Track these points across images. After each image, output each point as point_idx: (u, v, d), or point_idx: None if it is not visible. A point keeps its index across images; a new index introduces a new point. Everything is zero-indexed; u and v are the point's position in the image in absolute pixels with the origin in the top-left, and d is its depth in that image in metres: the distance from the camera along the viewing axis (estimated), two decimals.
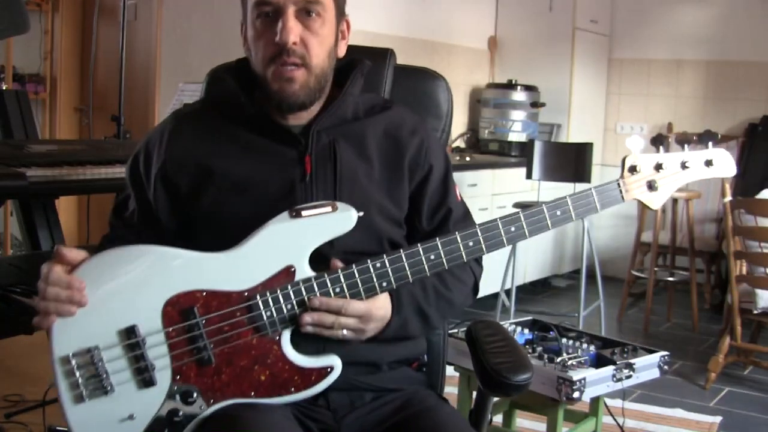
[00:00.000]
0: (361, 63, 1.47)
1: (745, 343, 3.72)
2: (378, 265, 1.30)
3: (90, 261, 1.27)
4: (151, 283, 1.27)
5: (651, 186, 1.41)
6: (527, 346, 2.51)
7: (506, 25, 5.75)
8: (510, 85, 5.43)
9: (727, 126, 5.55)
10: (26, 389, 2.91)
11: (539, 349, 2.48)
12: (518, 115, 5.37)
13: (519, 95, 5.38)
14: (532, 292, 5.34)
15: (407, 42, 4.88)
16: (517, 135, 5.35)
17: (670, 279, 4.84)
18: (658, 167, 1.41)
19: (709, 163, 1.43)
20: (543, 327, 2.67)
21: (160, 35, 4.59)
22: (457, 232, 1.33)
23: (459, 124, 5.56)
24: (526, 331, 2.64)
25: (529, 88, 5.41)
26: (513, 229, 1.34)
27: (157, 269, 1.28)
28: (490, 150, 5.40)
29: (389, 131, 1.46)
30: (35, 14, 4.75)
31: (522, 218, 1.35)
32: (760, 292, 3.54)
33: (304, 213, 1.30)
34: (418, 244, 1.32)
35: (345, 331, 1.31)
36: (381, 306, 1.34)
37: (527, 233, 1.35)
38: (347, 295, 1.29)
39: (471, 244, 1.33)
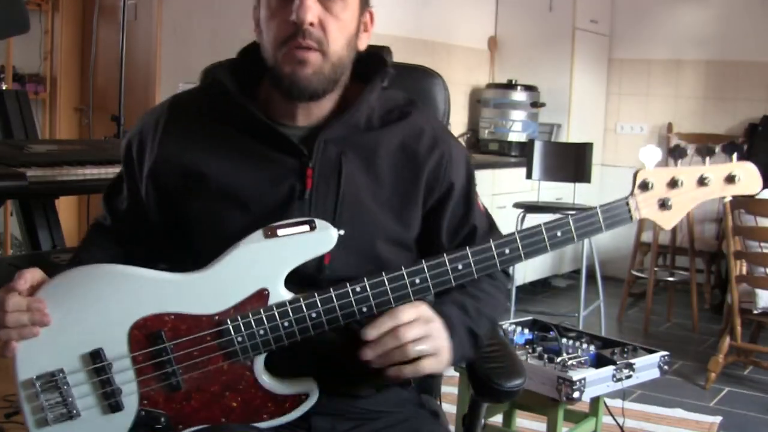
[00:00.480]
0: (384, 69, 1.34)
1: (745, 343, 3.72)
2: (358, 289, 1.20)
3: (53, 281, 1.21)
4: (117, 305, 1.20)
5: (663, 204, 1.28)
6: (527, 346, 2.51)
7: (506, 25, 5.75)
8: (510, 85, 5.43)
9: (727, 126, 5.55)
10: None
11: (539, 349, 2.48)
12: (518, 115, 5.37)
13: (519, 95, 5.38)
14: (532, 292, 5.34)
15: (407, 42, 4.87)
16: (517, 135, 5.35)
17: (670, 279, 4.84)
18: (673, 183, 1.27)
19: (731, 179, 1.28)
20: (543, 327, 2.67)
21: (160, 35, 4.59)
22: (445, 255, 1.22)
23: (459, 124, 5.56)
24: (526, 331, 2.64)
25: (529, 88, 5.41)
26: (507, 251, 1.24)
27: (123, 291, 1.20)
28: (490, 150, 5.40)
29: (406, 143, 1.32)
30: (35, 14, 4.75)
31: (518, 239, 1.24)
32: (760, 292, 3.54)
33: (279, 232, 1.20)
34: (402, 267, 1.21)
35: (418, 347, 1.18)
36: (428, 309, 1.22)
37: (523, 256, 1.25)
38: (324, 321, 1.19)
39: (460, 267, 1.23)
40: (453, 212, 1.36)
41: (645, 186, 1.28)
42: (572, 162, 4.49)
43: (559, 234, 1.26)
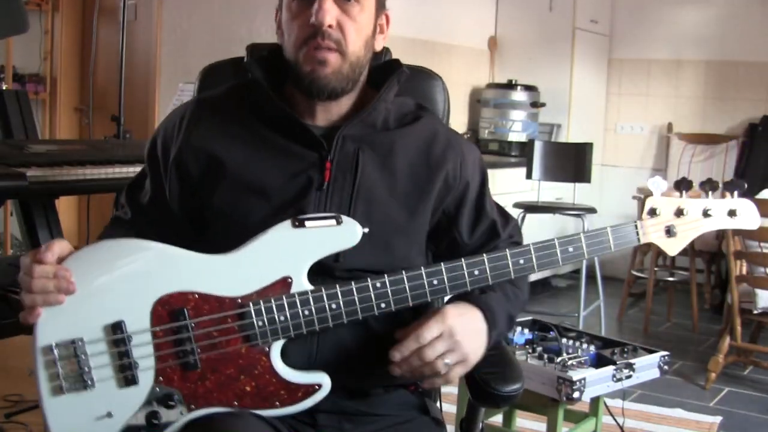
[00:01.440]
0: (399, 69, 1.40)
1: (745, 343, 3.72)
2: (378, 285, 1.25)
3: (81, 251, 1.23)
4: (143, 279, 1.23)
5: (669, 231, 1.37)
6: (527, 346, 2.51)
7: (506, 25, 5.75)
8: (510, 85, 5.43)
9: (727, 126, 5.55)
10: (26, 389, 2.90)
11: (539, 349, 2.48)
12: (518, 115, 5.37)
13: (519, 95, 5.38)
14: (532, 292, 5.32)
15: (407, 42, 4.88)
16: (517, 135, 5.35)
17: (670, 279, 4.84)
18: (679, 213, 1.37)
19: (732, 213, 1.38)
20: (543, 327, 2.67)
21: (160, 35, 4.60)
22: (463, 260, 1.29)
23: (459, 124, 5.56)
24: (526, 331, 2.64)
25: (529, 88, 5.41)
26: (522, 261, 1.31)
27: (150, 266, 1.23)
28: (490, 150, 5.40)
29: (420, 145, 1.38)
30: (35, 14, 4.75)
31: (532, 251, 1.31)
32: (760, 292, 3.54)
33: (307, 224, 1.25)
34: (422, 268, 1.27)
35: (447, 359, 1.24)
36: (455, 314, 1.27)
37: (535, 267, 1.32)
38: (343, 313, 1.24)
39: (477, 272, 1.29)
40: (471, 210, 1.42)
41: (653, 212, 1.37)
42: (572, 162, 4.49)
43: (571, 249, 1.33)
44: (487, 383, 1.34)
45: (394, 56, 1.68)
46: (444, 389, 1.64)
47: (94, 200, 3.87)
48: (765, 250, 3.56)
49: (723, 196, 1.40)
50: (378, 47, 1.40)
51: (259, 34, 4.02)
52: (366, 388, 1.35)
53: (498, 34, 5.79)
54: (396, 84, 1.39)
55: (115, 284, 1.22)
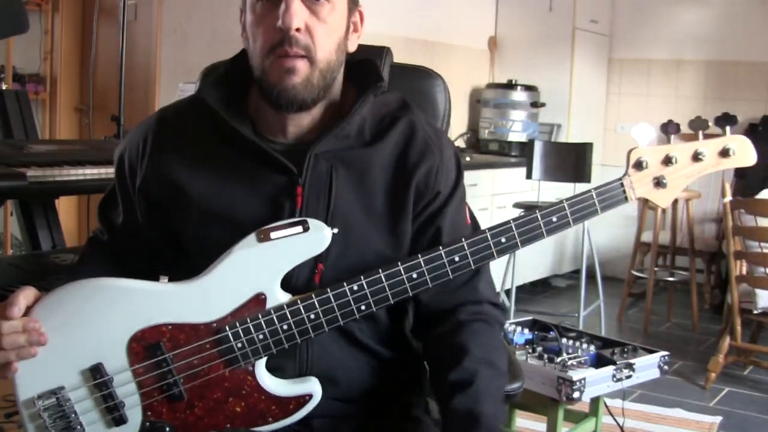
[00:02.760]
0: (377, 81, 1.29)
1: (745, 343, 3.72)
2: (355, 287, 1.19)
3: (47, 298, 1.20)
4: (114, 319, 1.19)
5: (659, 183, 1.27)
6: (527, 346, 2.51)
7: (506, 25, 5.75)
8: (510, 85, 5.43)
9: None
10: None
11: (539, 349, 2.48)
12: (518, 115, 5.37)
13: (519, 95, 5.38)
14: (532, 292, 5.34)
15: (407, 42, 4.88)
16: (517, 135, 5.35)
17: (670, 279, 4.84)
18: (668, 161, 1.27)
19: (725, 153, 1.28)
20: (543, 327, 2.67)
21: (160, 35, 4.59)
22: (441, 247, 1.22)
23: (459, 124, 5.56)
24: (526, 331, 2.64)
25: (529, 88, 5.41)
26: (504, 240, 1.23)
27: (118, 304, 1.20)
28: (490, 150, 5.40)
29: (397, 153, 1.29)
30: (35, 14, 4.75)
31: (513, 228, 1.23)
32: (760, 292, 3.54)
33: (272, 235, 1.19)
34: (398, 263, 1.21)
35: None
36: None
37: (519, 243, 1.24)
38: (323, 321, 1.19)
39: (457, 259, 1.22)
40: (426, 215, 1.31)
41: (639, 165, 1.27)
42: (572, 162, 4.49)
43: (554, 219, 1.25)
44: None
45: (395, 57, 1.67)
46: None
47: (94, 200, 3.86)
48: (765, 250, 3.56)
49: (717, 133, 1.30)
50: (352, 48, 1.29)
51: None
52: (354, 392, 1.30)
53: (498, 34, 5.79)
54: (372, 98, 1.29)
55: (87, 327, 1.19)
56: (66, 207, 4.54)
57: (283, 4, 1.18)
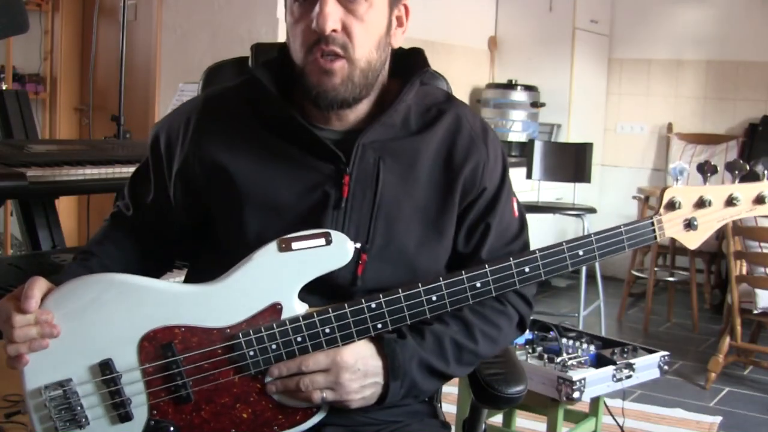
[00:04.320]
0: (423, 69, 1.28)
1: (745, 343, 3.72)
2: (373, 305, 1.18)
3: (61, 289, 1.19)
4: (127, 316, 1.18)
5: (690, 224, 1.25)
6: (527, 346, 2.51)
7: (506, 25, 5.75)
8: (510, 85, 5.43)
9: (727, 126, 5.55)
10: None
11: (539, 349, 2.48)
12: (518, 115, 5.37)
13: (519, 95, 5.38)
14: None
15: (407, 42, 4.86)
16: (517, 135, 5.35)
17: (670, 279, 4.84)
18: (701, 203, 1.25)
19: (761, 200, 1.26)
20: (543, 327, 2.66)
21: (160, 35, 4.59)
22: (463, 272, 1.20)
23: None
24: (526, 331, 2.63)
25: (529, 88, 5.41)
26: (527, 270, 1.22)
27: (133, 302, 1.19)
28: None
29: (443, 147, 1.28)
30: (35, 14, 4.75)
31: (539, 258, 1.22)
32: (760, 292, 3.54)
33: (294, 245, 1.18)
34: (419, 284, 1.20)
35: (324, 393, 1.18)
36: (354, 354, 1.18)
37: (543, 274, 1.23)
38: (338, 336, 1.18)
39: (478, 285, 1.21)
40: (475, 214, 1.32)
41: (672, 205, 1.25)
42: (572, 162, 4.49)
43: (581, 253, 1.24)
44: (491, 385, 1.32)
45: None
46: (444, 389, 1.64)
47: (94, 200, 3.87)
48: (765, 250, 3.56)
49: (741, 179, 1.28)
50: (396, 43, 1.27)
51: (259, 34, 4.02)
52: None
53: (498, 34, 5.79)
54: (418, 85, 1.29)
55: (100, 322, 1.19)
56: (66, 207, 4.55)
57: (317, 6, 1.17)
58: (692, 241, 1.27)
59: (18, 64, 4.81)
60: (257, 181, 1.24)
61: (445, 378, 1.30)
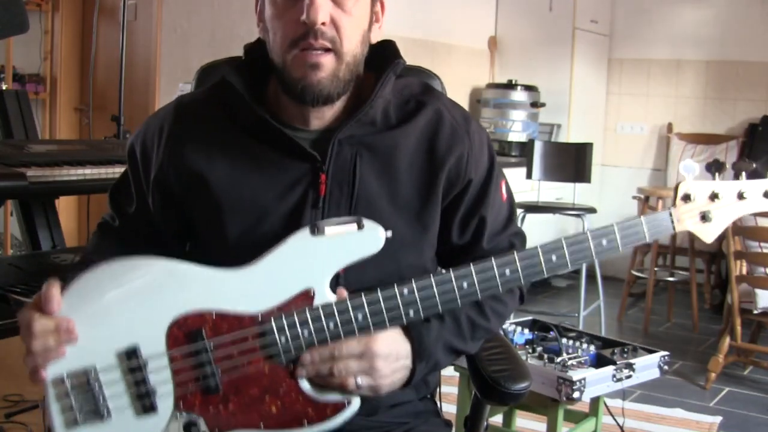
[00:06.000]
0: (395, 61, 1.26)
1: (745, 343, 3.72)
2: (405, 291, 1.16)
3: (89, 274, 1.15)
4: (156, 300, 1.15)
5: (704, 217, 1.29)
6: (527, 346, 2.51)
7: (506, 25, 5.75)
8: (510, 85, 5.43)
9: (727, 126, 5.55)
10: (26, 389, 2.90)
11: (539, 349, 2.47)
12: (518, 115, 5.37)
13: (519, 95, 5.38)
14: (532, 292, 5.34)
15: (407, 42, 4.87)
16: (517, 135, 5.35)
17: (670, 279, 4.84)
18: (714, 197, 1.29)
19: None
20: (543, 327, 2.66)
21: (160, 35, 4.59)
22: (493, 259, 1.19)
23: None
24: (526, 331, 2.63)
25: (529, 88, 5.41)
26: (554, 258, 1.21)
27: (162, 285, 1.15)
28: None
29: (424, 140, 1.27)
30: (35, 14, 4.75)
31: (564, 246, 1.22)
32: (760, 292, 3.54)
33: (326, 230, 1.15)
34: (451, 270, 1.18)
35: (358, 379, 1.16)
36: (386, 340, 1.18)
37: (569, 263, 1.23)
38: (370, 324, 1.16)
39: (507, 273, 1.20)
40: (466, 206, 1.32)
41: (687, 198, 1.29)
42: (572, 162, 4.50)
43: (604, 242, 1.24)
44: (498, 382, 1.32)
45: None
46: (444, 389, 1.65)
47: (94, 200, 3.86)
48: (765, 250, 3.56)
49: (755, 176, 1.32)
50: (374, 39, 1.26)
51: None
52: (375, 405, 1.28)
53: (498, 34, 5.79)
54: (393, 77, 1.26)
55: (126, 306, 1.15)
56: (66, 207, 4.54)
57: None
58: (708, 234, 1.30)
59: (18, 64, 4.81)
60: (234, 186, 1.24)
61: (461, 354, 1.32)
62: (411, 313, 1.17)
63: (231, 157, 1.25)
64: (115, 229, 1.39)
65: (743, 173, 1.32)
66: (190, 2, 4.52)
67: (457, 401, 2.55)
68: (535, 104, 5.39)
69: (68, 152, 2.55)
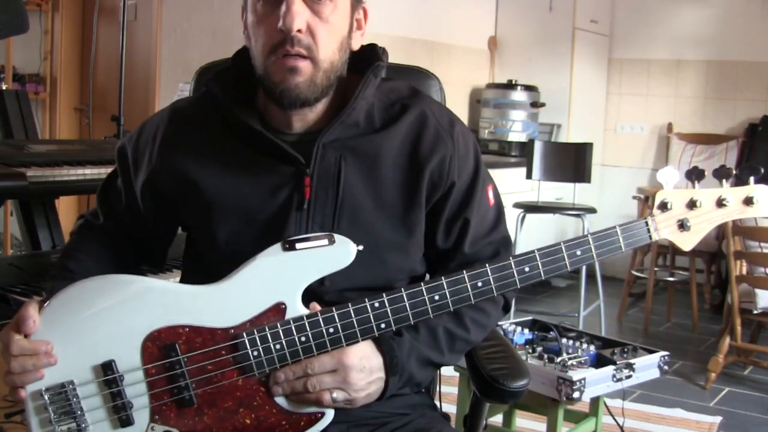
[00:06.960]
0: (375, 63, 1.28)
1: (745, 343, 3.72)
2: (377, 304, 1.19)
3: (65, 293, 1.19)
4: (131, 315, 1.18)
5: (683, 225, 1.28)
6: (527, 346, 2.51)
7: (506, 25, 5.75)
8: (510, 85, 5.43)
9: (727, 126, 5.55)
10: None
11: (539, 349, 2.48)
12: (518, 115, 5.37)
13: (519, 95, 5.38)
14: (532, 292, 5.34)
15: (407, 42, 4.87)
16: (517, 135, 5.35)
17: (670, 279, 4.84)
18: (692, 205, 1.28)
19: (749, 201, 1.29)
20: (543, 327, 2.67)
21: (160, 35, 4.59)
22: (465, 272, 1.21)
23: None
24: (526, 331, 2.64)
25: (529, 88, 5.41)
26: (527, 269, 1.23)
27: (137, 301, 1.18)
28: (490, 150, 5.40)
29: (408, 143, 1.28)
30: (35, 14, 4.75)
31: (537, 258, 1.23)
32: (760, 292, 3.54)
33: (297, 246, 1.18)
34: (422, 284, 1.20)
35: (334, 393, 1.18)
36: (358, 354, 1.20)
37: (542, 273, 1.24)
38: (342, 336, 1.18)
39: (480, 284, 1.21)
40: (450, 209, 1.33)
41: (664, 206, 1.28)
42: (572, 162, 4.49)
43: (579, 252, 1.25)
44: (497, 380, 1.33)
45: (395, 57, 1.66)
46: (444, 389, 1.65)
47: (94, 200, 3.86)
48: (765, 250, 3.56)
49: (737, 183, 1.31)
50: (355, 45, 1.29)
51: None
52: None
53: (498, 34, 5.79)
54: (374, 78, 1.28)
55: (102, 323, 1.18)
56: (66, 207, 4.54)
57: (284, 5, 1.18)
58: (686, 242, 1.29)
59: (18, 64, 4.81)
60: (224, 189, 1.26)
61: (440, 367, 1.33)
62: (383, 325, 1.19)
63: (221, 161, 1.28)
64: (98, 228, 1.41)
65: (724, 180, 1.31)
66: (190, 2, 4.52)
67: (457, 401, 2.55)
68: (535, 104, 5.39)
69: (68, 152, 2.55)
